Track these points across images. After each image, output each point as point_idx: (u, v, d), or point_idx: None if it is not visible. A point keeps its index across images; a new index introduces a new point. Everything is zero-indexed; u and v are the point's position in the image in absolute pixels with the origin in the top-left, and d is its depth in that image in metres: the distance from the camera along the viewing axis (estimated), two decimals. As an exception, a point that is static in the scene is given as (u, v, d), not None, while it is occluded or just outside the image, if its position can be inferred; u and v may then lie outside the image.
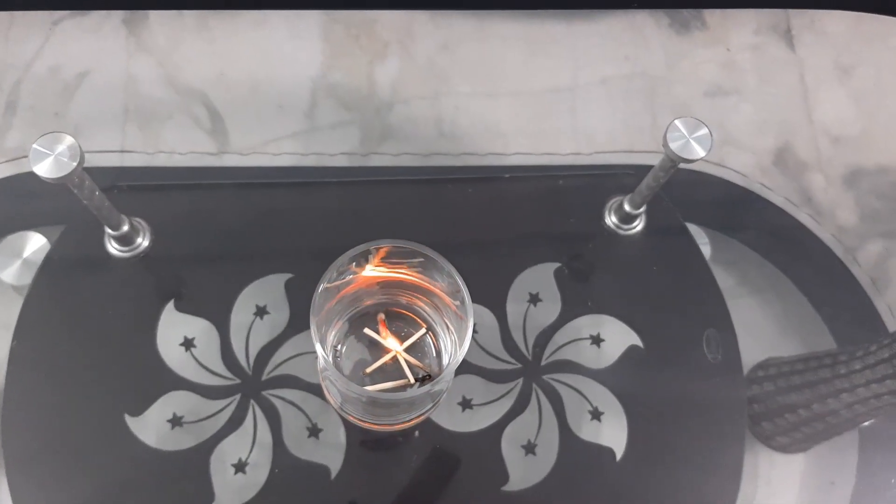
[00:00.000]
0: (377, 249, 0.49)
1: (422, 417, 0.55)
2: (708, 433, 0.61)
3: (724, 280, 0.67)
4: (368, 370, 0.54)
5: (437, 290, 0.52)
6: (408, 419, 0.54)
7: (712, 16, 0.80)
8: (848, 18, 0.81)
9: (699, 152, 0.53)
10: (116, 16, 0.75)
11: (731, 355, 0.63)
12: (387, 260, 0.51)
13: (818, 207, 0.72)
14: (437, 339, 0.55)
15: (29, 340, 0.59)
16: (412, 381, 0.54)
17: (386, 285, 0.54)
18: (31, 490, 0.55)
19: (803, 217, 0.72)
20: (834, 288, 0.71)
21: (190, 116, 0.71)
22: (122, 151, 0.69)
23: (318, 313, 0.48)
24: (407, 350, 0.54)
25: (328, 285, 0.49)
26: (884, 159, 0.74)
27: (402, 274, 0.52)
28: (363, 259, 0.50)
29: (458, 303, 0.50)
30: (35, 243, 0.64)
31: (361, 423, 0.55)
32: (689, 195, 0.70)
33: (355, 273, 0.51)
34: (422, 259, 0.50)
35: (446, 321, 0.54)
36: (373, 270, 0.51)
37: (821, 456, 0.65)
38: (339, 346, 0.55)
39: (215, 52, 0.74)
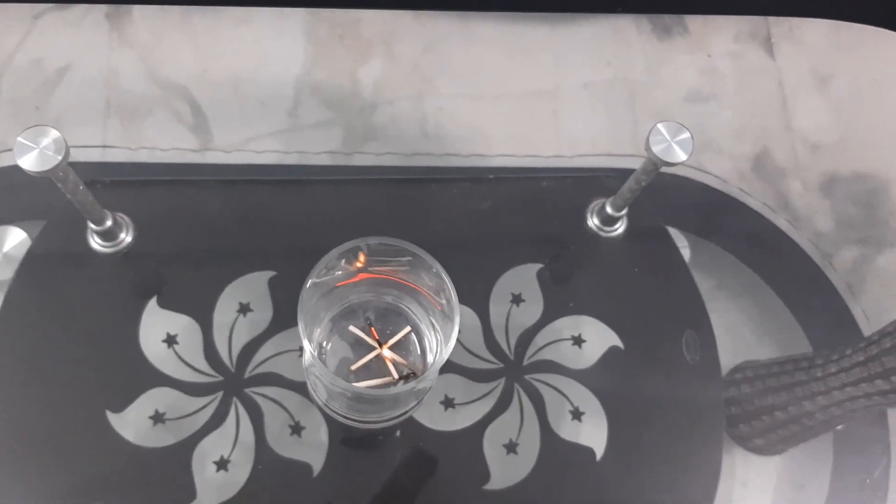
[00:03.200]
0: (366, 246, 0.49)
1: (406, 415, 0.55)
2: (687, 434, 0.61)
3: (703, 283, 0.67)
4: (353, 367, 0.54)
5: (423, 289, 0.53)
6: (392, 416, 0.54)
7: (694, 22, 0.81)
8: (826, 27, 0.82)
9: (681, 156, 0.54)
10: (99, 10, 0.74)
11: (709, 357, 0.63)
12: (374, 257, 0.51)
13: (795, 213, 0.73)
14: (421, 338, 0.56)
15: (10, 336, 0.58)
16: (396, 378, 0.54)
17: (372, 283, 0.54)
18: (12, 486, 0.54)
19: (781, 222, 0.72)
20: (810, 292, 0.72)
21: (172, 112, 0.71)
22: (103, 146, 0.69)
23: (305, 309, 0.48)
24: (391, 348, 0.54)
25: (316, 280, 0.49)
26: (860, 167, 0.76)
27: (389, 272, 0.53)
28: (352, 255, 0.50)
29: (443, 302, 0.50)
30: (15, 238, 0.64)
31: (346, 420, 0.55)
32: (669, 199, 0.71)
33: (343, 269, 0.51)
34: (409, 257, 0.50)
35: (431, 320, 0.54)
36: (360, 267, 0.52)
37: (796, 458, 0.66)
38: (324, 343, 0.55)
39: (198, 49, 0.74)
